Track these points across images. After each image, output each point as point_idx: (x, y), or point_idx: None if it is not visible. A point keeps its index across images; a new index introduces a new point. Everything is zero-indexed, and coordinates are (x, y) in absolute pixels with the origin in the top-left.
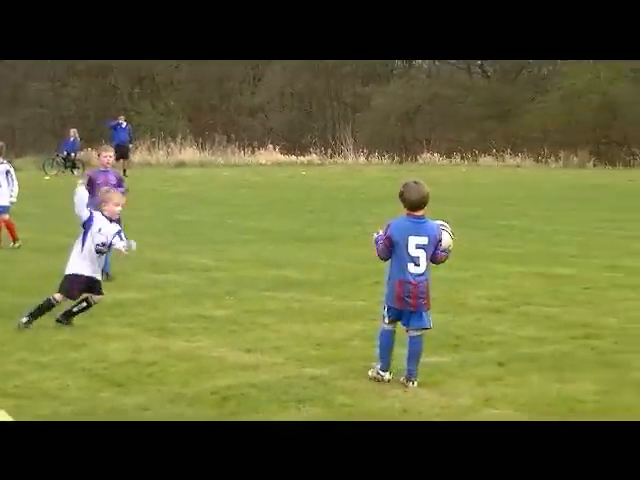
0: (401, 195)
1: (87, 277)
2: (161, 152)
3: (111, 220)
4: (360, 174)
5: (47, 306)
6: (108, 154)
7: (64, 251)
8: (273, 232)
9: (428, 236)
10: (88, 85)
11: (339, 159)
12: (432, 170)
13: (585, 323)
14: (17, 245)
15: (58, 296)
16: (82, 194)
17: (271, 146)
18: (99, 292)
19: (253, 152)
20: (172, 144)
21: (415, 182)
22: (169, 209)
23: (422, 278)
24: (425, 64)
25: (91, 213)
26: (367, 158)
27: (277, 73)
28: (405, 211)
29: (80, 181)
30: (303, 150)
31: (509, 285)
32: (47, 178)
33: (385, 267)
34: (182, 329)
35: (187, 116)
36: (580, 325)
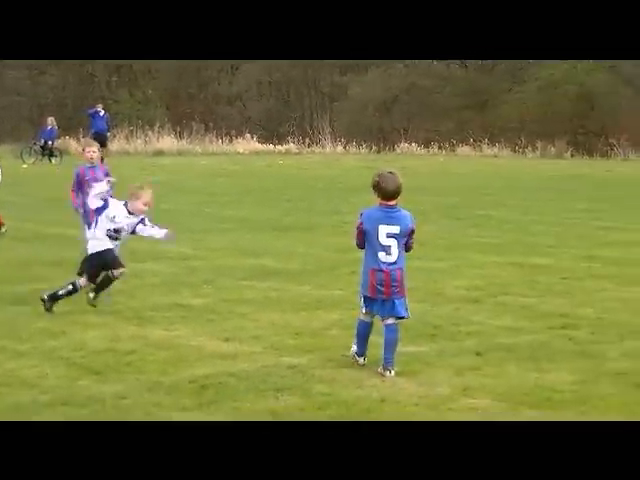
0: (376, 185)
1: (97, 253)
2: (139, 140)
3: (130, 213)
4: (338, 163)
5: (71, 291)
6: (92, 149)
7: (42, 239)
8: (251, 221)
9: (400, 225)
10: (66, 73)
11: (317, 148)
12: (410, 160)
13: (562, 313)
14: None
15: (116, 272)
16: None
17: (249, 135)
18: (117, 266)
19: (231, 141)
20: (150, 132)
21: (390, 172)
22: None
23: (394, 267)
24: None
25: (106, 200)
26: (345, 147)
27: (255, 62)
28: (378, 201)
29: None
30: (281, 139)
31: (487, 275)
32: (25, 166)
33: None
34: (160, 318)
35: (165, 104)
36: (557, 315)
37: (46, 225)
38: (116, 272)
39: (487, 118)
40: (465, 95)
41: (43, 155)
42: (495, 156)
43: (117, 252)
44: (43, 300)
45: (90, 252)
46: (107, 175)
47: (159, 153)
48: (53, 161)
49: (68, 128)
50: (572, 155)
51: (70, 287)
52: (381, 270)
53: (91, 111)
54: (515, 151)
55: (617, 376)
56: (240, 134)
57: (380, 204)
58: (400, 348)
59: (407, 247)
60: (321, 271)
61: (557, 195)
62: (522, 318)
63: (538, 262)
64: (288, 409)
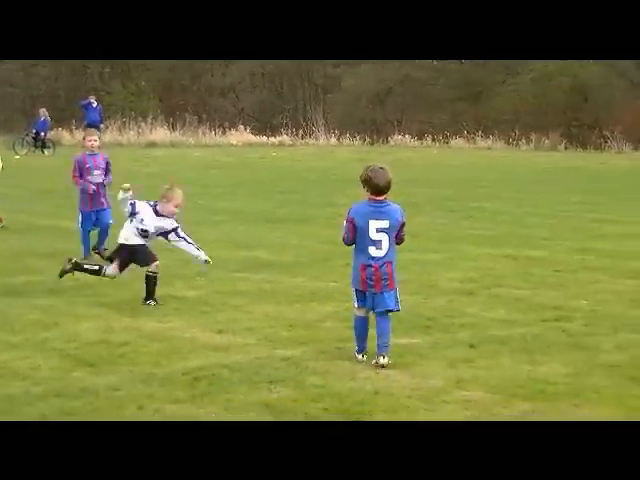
0: (368, 180)
1: (128, 245)
2: (132, 132)
3: (157, 214)
4: (331, 155)
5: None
6: (93, 138)
7: (35, 231)
8: (244, 213)
9: (389, 219)
10: (58, 65)
11: (310, 140)
12: (403, 152)
13: (556, 305)
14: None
15: (154, 265)
16: (122, 197)
17: (242, 127)
18: (149, 261)
19: (224, 133)
20: (143, 124)
21: (381, 167)
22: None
23: (384, 261)
24: None
25: (133, 205)
26: (338, 139)
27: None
28: (367, 195)
29: (125, 186)
30: (274, 131)
31: (480, 267)
32: (17, 157)
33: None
34: (153, 310)
35: (158, 96)
36: (551, 307)
37: (39, 217)
38: (152, 268)
39: (481, 110)
40: (459, 87)
41: (36, 146)
42: (489, 148)
43: (148, 247)
44: (70, 260)
45: (120, 242)
46: (108, 163)
47: (152, 145)
48: (46, 152)
49: (61, 119)
50: (566, 147)
51: (96, 267)
52: (371, 265)
53: (84, 102)
54: (509, 143)
55: (611, 368)
56: (233, 126)
57: (369, 199)
58: (393, 340)
59: (399, 240)
60: (315, 263)
61: (551, 187)
62: (516, 310)
63: (532, 254)
64: (281, 401)
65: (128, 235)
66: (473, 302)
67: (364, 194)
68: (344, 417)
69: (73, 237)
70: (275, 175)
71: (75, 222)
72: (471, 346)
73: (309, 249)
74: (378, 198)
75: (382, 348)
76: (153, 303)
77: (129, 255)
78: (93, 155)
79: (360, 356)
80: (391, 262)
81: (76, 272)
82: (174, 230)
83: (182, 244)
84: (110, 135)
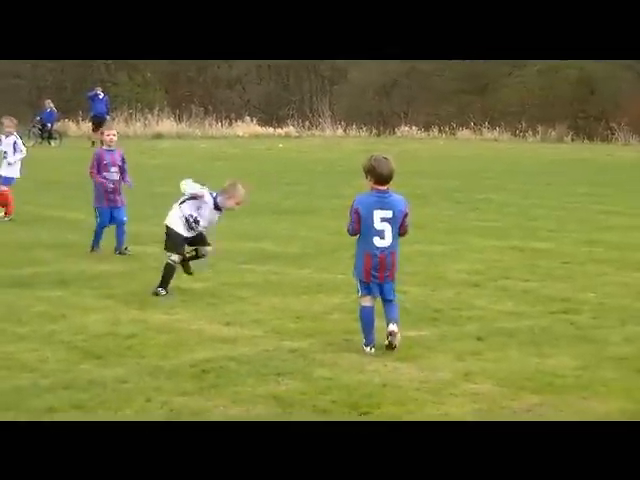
0: (372, 169)
1: (182, 235)
2: (138, 124)
3: (216, 207)
4: (338, 147)
5: (170, 270)
6: (112, 132)
7: (42, 222)
8: (250, 204)
9: (393, 210)
10: None
11: (317, 132)
12: (410, 143)
13: (563, 298)
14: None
15: (174, 257)
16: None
17: (248, 118)
18: (172, 251)
19: (230, 124)
20: (149, 116)
21: (384, 157)
22: (147, 181)
23: (388, 251)
24: None
25: (206, 194)
26: (345, 131)
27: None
28: (370, 185)
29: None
30: (281, 122)
31: (487, 259)
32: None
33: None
34: (161, 302)
35: (164, 88)
36: (559, 300)
37: (46, 208)
38: (174, 258)
39: (487, 102)
40: (465, 79)
41: (42, 138)
42: (495, 140)
43: (184, 240)
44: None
45: (165, 222)
46: (123, 161)
47: (158, 136)
48: (52, 144)
49: (67, 111)
50: (572, 139)
51: (193, 252)
52: (376, 255)
53: (90, 94)
54: (515, 135)
55: (619, 361)
56: (240, 117)
57: (372, 189)
58: (401, 332)
59: (402, 231)
60: (321, 254)
61: (558, 179)
62: (523, 303)
63: (539, 246)
64: (289, 393)
65: (173, 218)
66: (480, 294)
67: (366, 184)
68: (352, 410)
69: (80, 228)
70: (281, 166)
71: (90, 217)
72: (479, 339)
73: (316, 240)
74: (381, 188)
75: (393, 319)
76: (163, 292)
77: (168, 237)
78: (111, 151)
79: (368, 349)
80: (395, 252)
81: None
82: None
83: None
84: (116, 127)
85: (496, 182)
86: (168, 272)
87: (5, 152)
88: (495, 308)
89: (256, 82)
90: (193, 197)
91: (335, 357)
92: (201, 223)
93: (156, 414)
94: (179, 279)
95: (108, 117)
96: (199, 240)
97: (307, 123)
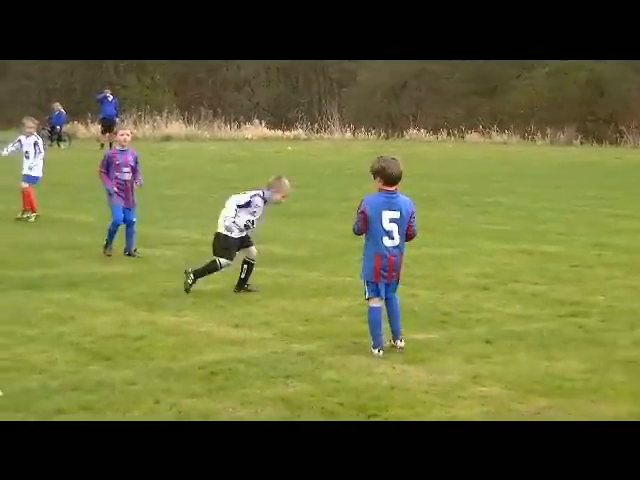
0: (382, 170)
1: (221, 234)
2: (147, 126)
3: (265, 202)
4: (346, 149)
5: (213, 268)
6: (126, 132)
7: (51, 224)
8: None
9: (400, 210)
10: None
11: (325, 134)
12: (419, 146)
13: (572, 301)
14: (26, 216)
15: (223, 261)
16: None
17: (257, 121)
18: (226, 257)
19: (239, 126)
20: (158, 118)
21: (392, 158)
22: (156, 183)
23: (397, 251)
24: None
25: (252, 197)
26: (353, 134)
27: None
28: (377, 186)
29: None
30: (289, 125)
31: (496, 262)
32: None
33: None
34: (170, 304)
35: (173, 90)
36: (567, 303)
37: (55, 210)
38: (223, 261)
39: (496, 104)
40: (474, 81)
41: (52, 140)
42: (504, 143)
43: (236, 243)
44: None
45: (218, 230)
46: (136, 161)
47: (167, 138)
48: (62, 146)
49: (76, 113)
50: (582, 142)
51: (245, 266)
52: (386, 256)
53: (100, 96)
54: (524, 138)
55: (628, 364)
56: (248, 120)
57: (381, 190)
58: (410, 335)
59: (410, 233)
60: (330, 257)
61: (567, 182)
62: (532, 306)
63: (548, 249)
64: (297, 396)
65: (225, 224)
66: (489, 297)
67: (374, 186)
68: (360, 412)
69: (89, 230)
70: (290, 169)
71: (99, 219)
72: (487, 341)
73: (324, 243)
74: (389, 189)
75: (399, 332)
76: (191, 280)
77: (219, 243)
78: (123, 151)
79: (376, 351)
80: (403, 253)
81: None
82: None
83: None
84: None
85: (505, 185)
86: (210, 268)
87: (27, 152)
88: (504, 311)
89: (265, 84)
90: (245, 205)
91: (343, 360)
92: (256, 224)
93: (165, 416)
94: None
95: (117, 119)
96: (222, 251)
97: (316, 126)
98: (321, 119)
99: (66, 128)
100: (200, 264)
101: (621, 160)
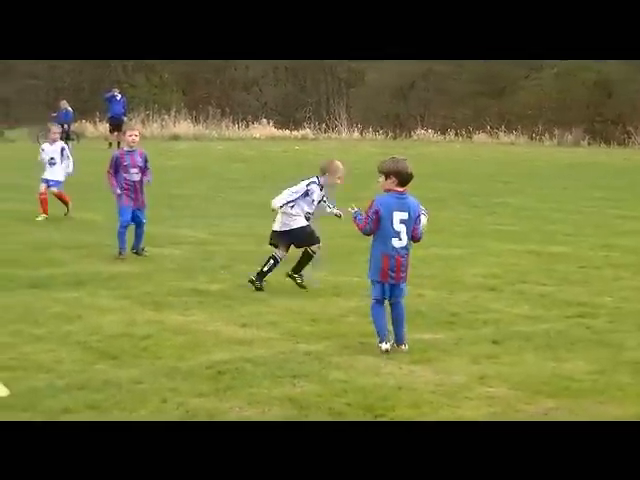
0: (397, 170)
1: (289, 230)
2: (155, 125)
3: (321, 188)
4: (354, 149)
5: (308, 258)
6: (134, 133)
7: (57, 223)
8: (267, 207)
9: (409, 211)
10: None
11: (333, 134)
12: (426, 146)
13: (580, 302)
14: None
15: (314, 247)
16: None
17: (265, 120)
18: (314, 242)
19: (247, 126)
20: (166, 117)
21: (404, 159)
22: (164, 182)
23: (405, 252)
24: None
25: (308, 185)
26: (361, 134)
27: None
28: (388, 186)
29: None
30: (297, 125)
31: (504, 263)
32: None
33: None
34: (177, 303)
35: (181, 89)
36: (575, 304)
37: (62, 209)
38: (314, 248)
39: (504, 105)
40: (482, 82)
41: (60, 138)
42: (512, 143)
43: (312, 227)
44: (252, 281)
45: (281, 229)
46: (145, 161)
47: (175, 138)
48: (70, 144)
49: (84, 112)
50: (589, 143)
51: (272, 262)
52: (393, 256)
53: (108, 95)
54: (532, 139)
55: (635, 365)
56: (256, 119)
57: (391, 190)
58: (417, 335)
59: (415, 235)
60: (337, 257)
61: (574, 183)
62: (540, 306)
63: (556, 250)
64: (305, 395)
65: (287, 220)
66: (497, 298)
67: (382, 185)
68: (367, 412)
69: (97, 229)
70: (298, 169)
71: (106, 218)
72: (495, 342)
73: (332, 244)
74: (400, 190)
75: (402, 337)
76: (299, 279)
77: (290, 238)
78: (131, 152)
79: (384, 344)
80: (409, 253)
81: (264, 280)
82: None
83: (327, 209)
84: None
85: (513, 186)
86: (305, 260)
87: (52, 158)
88: (511, 312)
89: (273, 84)
90: (304, 195)
91: (351, 360)
92: (314, 212)
93: (172, 415)
94: (195, 280)
95: (125, 118)
96: (306, 239)
97: (323, 126)
98: (329, 119)
99: (74, 127)
100: (296, 261)
101: (629, 161)
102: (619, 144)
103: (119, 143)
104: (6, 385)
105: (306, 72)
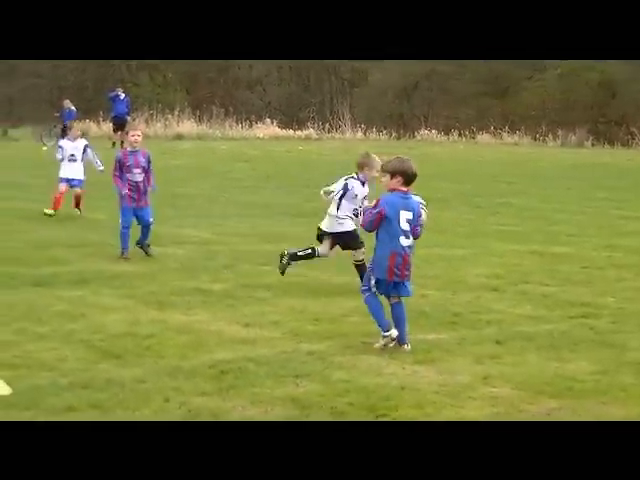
0: (403, 170)
1: (338, 232)
2: (159, 124)
3: (363, 184)
4: (358, 150)
5: (310, 254)
6: (136, 133)
7: (62, 221)
8: (270, 206)
9: (413, 211)
10: None
11: (337, 134)
12: (430, 147)
13: (583, 302)
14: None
15: (321, 249)
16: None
17: (269, 120)
18: (359, 246)
19: (251, 126)
20: (170, 116)
21: (407, 158)
22: (167, 182)
23: (410, 251)
24: None
25: (347, 182)
26: (365, 134)
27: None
28: (393, 185)
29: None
30: (301, 124)
31: (507, 263)
32: (45, 149)
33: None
34: (180, 302)
35: (185, 88)
36: (578, 304)
37: (66, 207)
38: (358, 253)
39: (507, 105)
40: (485, 82)
41: (64, 137)
42: (515, 144)
43: (357, 231)
44: (282, 255)
45: (330, 230)
46: (148, 161)
47: (179, 137)
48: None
49: (88, 111)
50: (593, 144)
51: (309, 251)
52: (401, 254)
53: (112, 94)
54: (536, 139)
55: (638, 366)
56: (260, 119)
57: (397, 190)
58: (420, 336)
59: (416, 235)
60: (340, 257)
61: (578, 184)
62: (542, 307)
63: (558, 251)
64: (307, 395)
65: (335, 223)
66: (500, 298)
67: (385, 184)
68: (370, 412)
69: (100, 228)
70: (301, 169)
71: (110, 217)
72: (498, 342)
73: None
74: (405, 189)
75: (405, 337)
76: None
77: (337, 240)
78: (134, 152)
79: (393, 331)
80: (413, 252)
81: (292, 262)
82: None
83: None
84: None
85: (516, 186)
86: (363, 268)
87: (72, 155)
88: (514, 312)
89: (276, 83)
90: (344, 194)
91: (353, 359)
92: (360, 208)
93: (174, 414)
94: (198, 280)
95: (129, 118)
96: (352, 243)
97: (327, 125)
98: (332, 119)
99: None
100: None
101: (633, 162)
102: (623, 145)
103: (122, 142)
104: (9, 383)
105: (310, 72)
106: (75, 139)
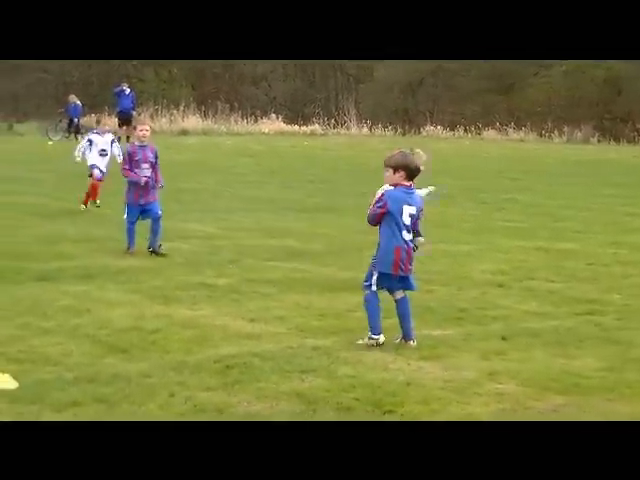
0: (407, 164)
1: None
2: (164, 120)
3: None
4: (363, 145)
5: None
6: (145, 127)
7: (68, 216)
8: (275, 201)
9: (416, 206)
10: None
11: (342, 130)
12: (435, 143)
13: (589, 299)
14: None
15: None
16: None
17: (274, 115)
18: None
19: (256, 121)
20: (175, 112)
21: (411, 153)
22: (172, 177)
23: (413, 245)
24: None
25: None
26: (370, 129)
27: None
28: (396, 179)
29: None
30: (306, 120)
31: (513, 259)
32: (51, 143)
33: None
34: (185, 297)
35: (190, 84)
36: (584, 301)
37: (72, 202)
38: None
39: (513, 102)
40: (491, 78)
41: (69, 132)
42: (521, 140)
43: None
44: None
45: None
46: (156, 157)
47: (184, 132)
48: (79, 138)
49: (94, 106)
50: (599, 140)
51: None
52: (405, 248)
53: (117, 90)
54: (541, 135)
55: None
56: (265, 114)
57: (400, 185)
58: (426, 332)
59: (416, 228)
60: (345, 252)
61: (583, 180)
62: (548, 303)
63: (564, 247)
64: (313, 390)
65: None
66: (505, 294)
67: (389, 178)
68: (376, 408)
69: (106, 223)
70: (306, 164)
71: (116, 212)
72: (504, 338)
73: (340, 238)
74: (407, 184)
75: (410, 334)
76: None
77: None
78: (143, 147)
79: (381, 337)
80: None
81: None
82: None
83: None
84: None
85: (522, 182)
86: None
87: (103, 150)
88: (520, 308)
89: (282, 79)
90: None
91: (359, 355)
92: None
93: (179, 409)
94: (203, 275)
95: (134, 113)
96: None
97: (332, 121)
98: (338, 115)
99: (84, 121)
100: None
101: (639, 159)
102: (629, 141)
103: (128, 137)
104: (14, 378)
105: (315, 68)
106: (104, 134)
